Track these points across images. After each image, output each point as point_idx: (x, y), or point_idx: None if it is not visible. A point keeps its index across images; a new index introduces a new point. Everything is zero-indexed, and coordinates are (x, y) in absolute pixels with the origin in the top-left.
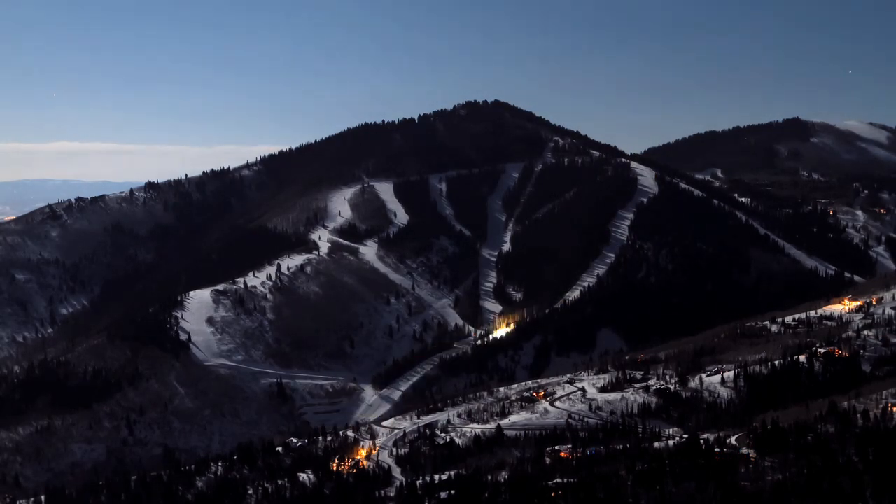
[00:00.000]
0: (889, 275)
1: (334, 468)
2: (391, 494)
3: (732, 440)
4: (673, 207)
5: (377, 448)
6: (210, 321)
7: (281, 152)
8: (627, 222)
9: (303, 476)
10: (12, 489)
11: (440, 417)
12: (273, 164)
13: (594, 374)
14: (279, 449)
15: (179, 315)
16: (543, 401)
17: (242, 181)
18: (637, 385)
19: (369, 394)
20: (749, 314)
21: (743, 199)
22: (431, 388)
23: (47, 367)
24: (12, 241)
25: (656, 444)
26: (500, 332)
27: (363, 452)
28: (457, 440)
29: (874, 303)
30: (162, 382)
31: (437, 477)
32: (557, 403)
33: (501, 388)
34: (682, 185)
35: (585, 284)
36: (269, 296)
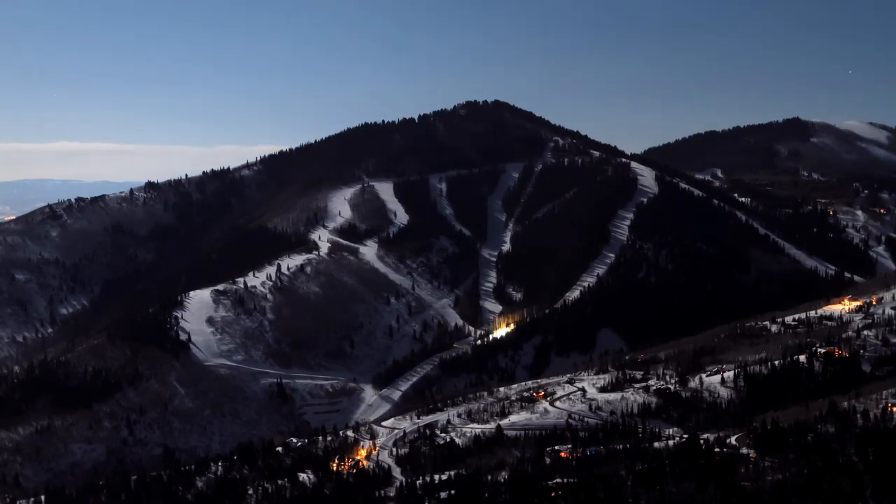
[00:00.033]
0: (889, 275)
1: (334, 468)
2: (391, 494)
3: (732, 440)
4: (673, 207)
5: (377, 448)
6: (210, 321)
7: (281, 152)
8: (627, 222)
9: (303, 476)
10: (12, 489)
11: (440, 417)
12: (273, 164)
13: (594, 374)
14: (279, 449)
15: (179, 315)
16: (543, 401)
17: (242, 181)
18: (637, 385)
19: (369, 394)
20: (749, 314)
21: (743, 199)
22: (431, 388)
23: (47, 367)
24: (12, 241)
25: (656, 444)
26: (501, 331)
27: (363, 452)
28: (457, 440)
29: (874, 303)
30: (162, 382)
31: (437, 477)
32: (557, 403)
33: (501, 388)
34: (682, 185)
35: (585, 284)
36: (269, 296)
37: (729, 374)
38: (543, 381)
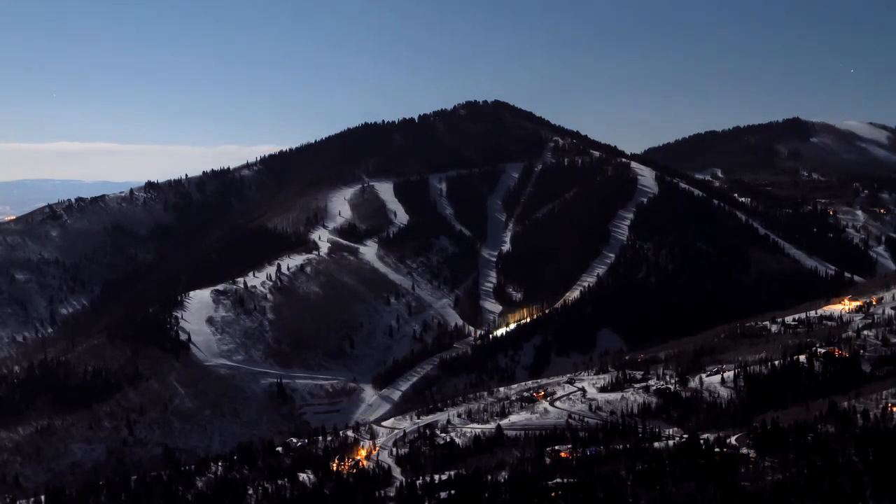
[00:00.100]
0: (889, 275)
1: (334, 468)
2: (391, 494)
3: (732, 440)
4: (673, 207)
5: (377, 448)
6: (210, 321)
7: (281, 152)
8: (627, 222)
9: (303, 476)
10: (12, 489)
11: (440, 417)
12: (273, 164)
13: (594, 374)
14: (279, 449)
15: (179, 315)
16: (543, 401)
17: (242, 181)
18: (637, 385)
19: (369, 394)
20: (749, 314)
21: (743, 199)
22: (431, 388)
23: (47, 367)
24: (12, 241)
25: (656, 444)
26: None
27: (363, 452)
28: (457, 440)
29: (874, 303)
30: (162, 382)
31: (437, 477)
32: (557, 403)
33: (501, 388)
34: (682, 185)
35: (585, 284)
36: (269, 296)
37: (729, 374)
38: (543, 381)
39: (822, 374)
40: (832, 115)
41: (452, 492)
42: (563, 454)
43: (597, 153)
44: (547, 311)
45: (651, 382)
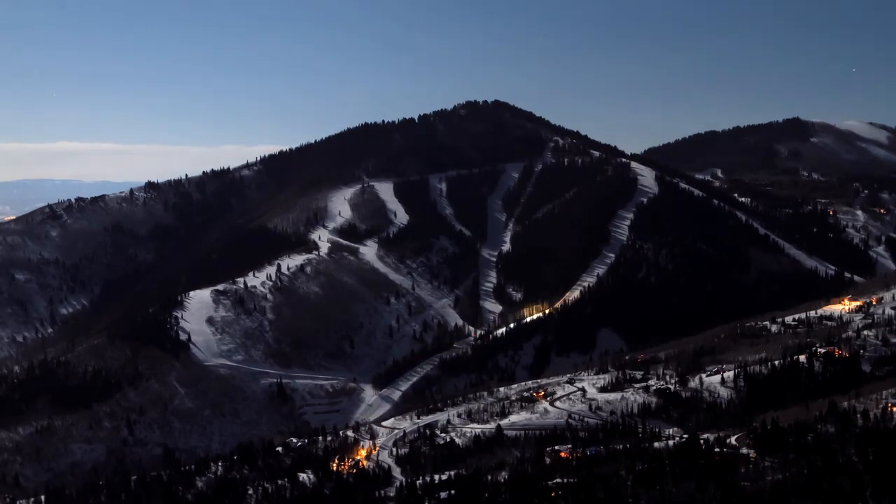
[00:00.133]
0: (889, 275)
1: (334, 468)
2: (391, 494)
3: (732, 440)
4: (673, 207)
5: (377, 448)
6: (210, 321)
7: (281, 152)
8: (627, 222)
9: (303, 476)
10: (12, 489)
11: (440, 417)
12: (273, 164)
13: (594, 374)
14: (279, 449)
15: (179, 315)
16: (543, 401)
17: (242, 181)
18: (637, 385)
19: (369, 394)
20: (749, 314)
21: (743, 199)
22: (431, 388)
23: (47, 367)
24: (12, 241)
25: (656, 444)
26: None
27: (363, 452)
28: (457, 440)
29: (874, 303)
30: (162, 382)
31: (437, 477)
32: (557, 403)
33: (501, 388)
34: (682, 185)
35: (585, 284)
36: (269, 296)
37: (729, 374)
38: (543, 381)
39: (822, 374)
40: (832, 115)
41: (452, 492)
42: (563, 454)
43: (597, 153)
44: (547, 311)
45: (651, 382)
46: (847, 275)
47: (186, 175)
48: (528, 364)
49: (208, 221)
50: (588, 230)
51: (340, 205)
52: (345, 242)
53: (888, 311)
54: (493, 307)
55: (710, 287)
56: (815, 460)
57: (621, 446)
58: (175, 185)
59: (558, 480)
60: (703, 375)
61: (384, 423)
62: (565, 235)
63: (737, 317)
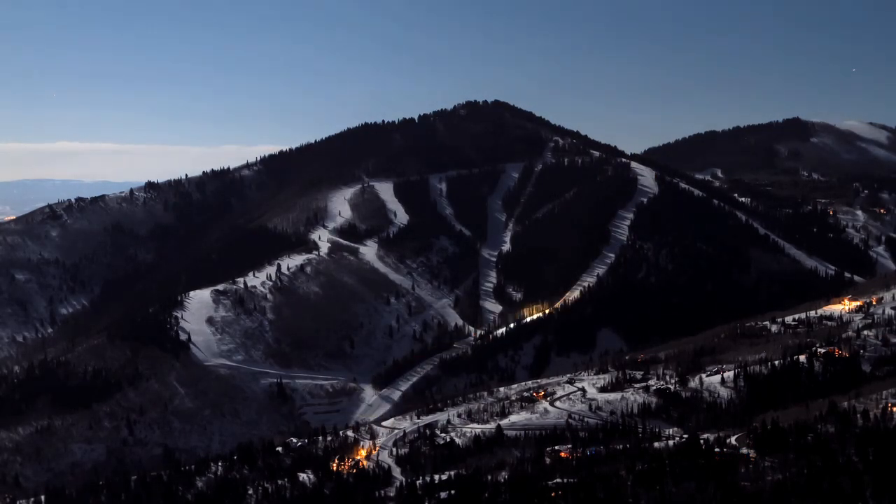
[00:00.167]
0: (889, 275)
1: (334, 468)
2: (391, 494)
3: (732, 440)
4: (673, 207)
5: (377, 448)
6: (210, 321)
7: (281, 152)
8: (627, 222)
9: (303, 476)
10: (12, 489)
11: (440, 417)
12: (273, 164)
13: (594, 374)
14: (279, 449)
15: (179, 315)
16: (543, 401)
17: (242, 181)
18: (637, 385)
19: (369, 394)
20: (749, 314)
21: (743, 199)
22: (431, 388)
23: (47, 367)
24: (12, 241)
25: (656, 444)
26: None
27: (363, 452)
28: (457, 440)
29: (874, 303)
30: (162, 382)
31: (437, 477)
32: (557, 403)
33: (501, 388)
34: (682, 185)
35: (585, 284)
36: (269, 296)
37: (729, 374)
38: (543, 381)
39: (822, 374)
40: (832, 115)
41: (452, 492)
42: (563, 454)
43: (597, 153)
44: (547, 311)
45: (651, 382)
46: (847, 275)
47: (186, 175)
48: (528, 364)
49: (208, 221)
50: (588, 230)
51: (340, 205)
52: (345, 242)
53: (888, 311)
54: (493, 307)
55: (710, 287)
56: (815, 460)
57: (621, 446)
58: (175, 185)
59: (558, 480)
60: (703, 375)
61: (384, 423)
62: (565, 235)
63: (737, 317)
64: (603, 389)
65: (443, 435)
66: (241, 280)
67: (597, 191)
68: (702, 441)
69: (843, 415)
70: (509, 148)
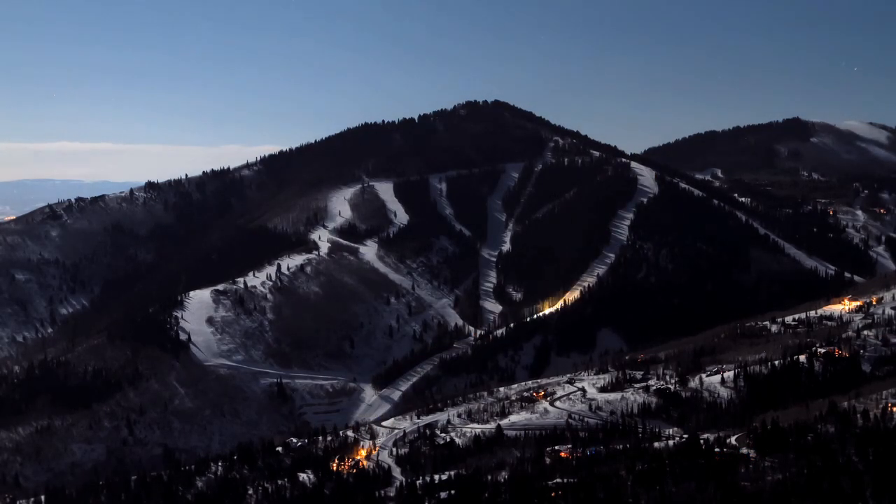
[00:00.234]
0: (889, 275)
1: (334, 468)
2: (391, 494)
3: (732, 440)
4: (673, 207)
5: (377, 448)
6: (210, 321)
7: (281, 152)
8: (627, 222)
9: (303, 476)
10: (12, 489)
11: (440, 417)
12: (273, 164)
13: (594, 374)
14: (279, 449)
15: (179, 315)
16: (543, 401)
17: (242, 181)
18: (637, 385)
19: (369, 394)
20: (749, 314)
21: (743, 199)
22: (431, 388)
23: (47, 367)
24: (12, 241)
25: (656, 444)
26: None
27: (363, 452)
28: (457, 440)
29: (874, 303)
30: (162, 382)
31: (437, 477)
32: (557, 403)
33: (501, 388)
34: (682, 185)
35: (585, 284)
36: (269, 296)
37: (729, 374)
38: (543, 381)
39: (822, 374)
40: (832, 115)
41: (452, 492)
42: (563, 454)
43: (597, 153)
44: (547, 312)
45: (651, 382)
46: (847, 275)
47: (186, 175)
48: (528, 364)
49: (208, 221)
50: (588, 230)
51: (340, 205)
52: (345, 242)
53: (888, 311)
54: (493, 307)
55: (710, 287)
56: (815, 460)
57: (621, 446)
58: (175, 185)
59: (558, 480)
60: (703, 375)
61: (384, 423)
62: (565, 235)
63: (737, 317)
64: (603, 389)
65: (443, 435)
66: (241, 280)
67: (597, 191)
68: (702, 441)
69: (843, 415)
70: (509, 148)
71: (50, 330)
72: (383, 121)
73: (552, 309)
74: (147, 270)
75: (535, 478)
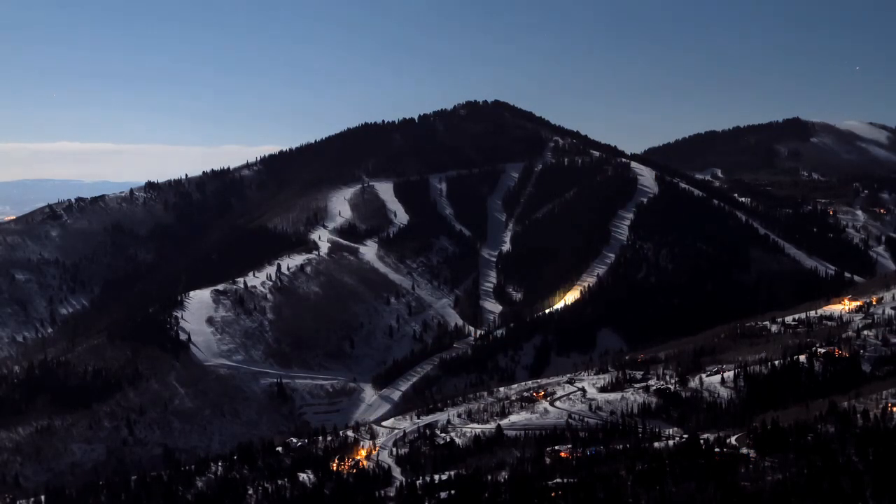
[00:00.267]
0: (889, 275)
1: (334, 468)
2: (391, 494)
3: (732, 440)
4: (673, 207)
5: (377, 448)
6: (210, 321)
7: (281, 152)
8: (627, 222)
9: (303, 476)
10: (12, 489)
11: (440, 417)
12: (273, 164)
13: (594, 374)
14: (279, 449)
15: (179, 315)
16: (543, 401)
17: (242, 181)
18: (637, 385)
19: (369, 394)
20: (749, 314)
21: (743, 199)
22: (431, 388)
23: (47, 367)
24: (12, 241)
25: (656, 444)
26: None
27: (363, 452)
28: (457, 440)
29: (874, 303)
30: (162, 382)
31: (437, 477)
32: (557, 403)
33: (501, 388)
34: (682, 185)
35: (585, 284)
36: (269, 296)
37: (729, 374)
38: (543, 381)
39: (822, 374)
40: (832, 115)
41: (452, 492)
42: (563, 454)
43: (597, 153)
44: (547, 311)
45: (651, 382)
46: (847, 275)
47: (186, 175)
48: (528, 364)
49: (208, 221)
50: (588, 230)
51: (340, 205)
52: (345, 242)
53: (888, 311)
54: (493, 307)
55: (710, 287)
56: (815, 460)
57: (621, 446)
58: (175, 185)
59: (558, 480)
60: (703, 375)
61: (384, 423)
62: (565, 235)
63: (737, 317)
64: (603, 389)
65: (443, 435)
66: (241, 280)
67: (597, 191)
68: (702, 441)
69: (843, 415)
70: (509, 148)
71: (50, 330)
72: (383, 121)
73: (552, 309)
74: (147, 270)
75: (535, 478)
